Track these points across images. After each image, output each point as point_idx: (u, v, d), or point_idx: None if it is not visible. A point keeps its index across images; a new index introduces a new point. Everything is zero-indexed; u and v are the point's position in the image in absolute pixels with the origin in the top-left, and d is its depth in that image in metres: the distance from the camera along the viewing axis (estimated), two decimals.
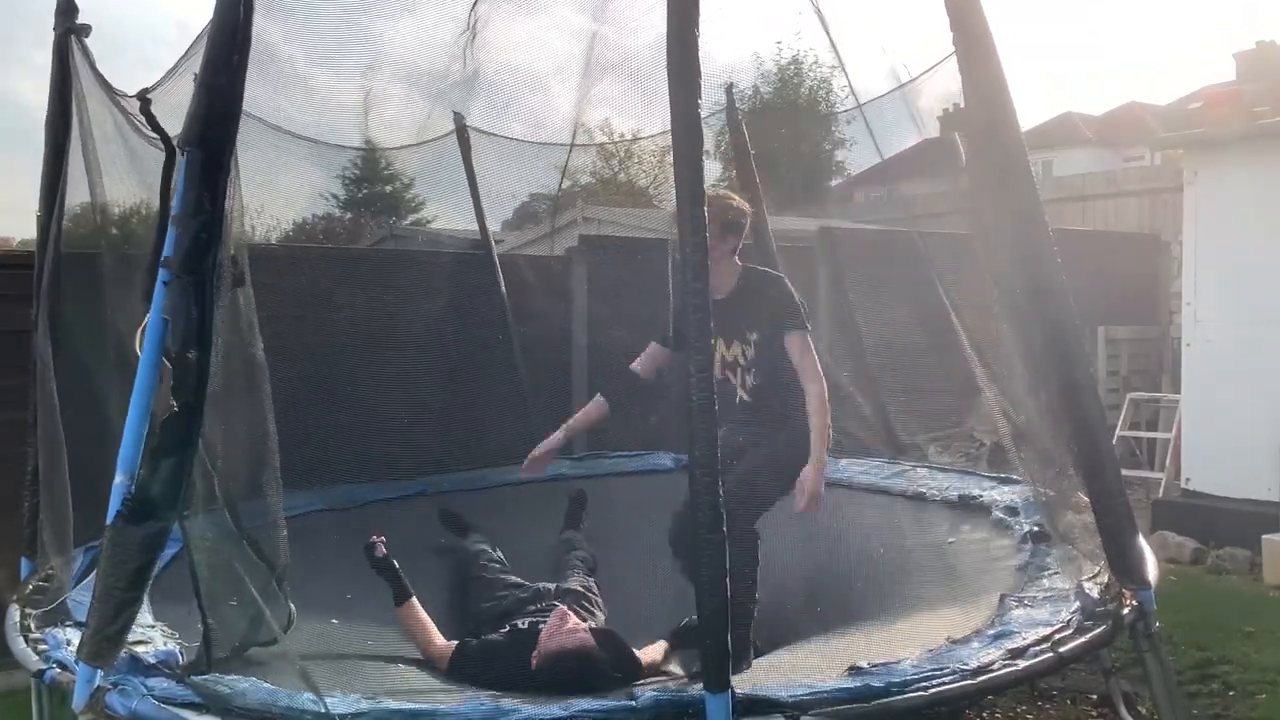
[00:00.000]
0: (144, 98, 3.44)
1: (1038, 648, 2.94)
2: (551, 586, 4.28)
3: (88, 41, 3.98)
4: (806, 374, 3.86)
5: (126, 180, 4.09)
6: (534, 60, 5.21)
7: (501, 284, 6.52)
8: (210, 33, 2.75)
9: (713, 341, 3.57)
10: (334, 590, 4.11)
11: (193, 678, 2.76)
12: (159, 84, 3.71)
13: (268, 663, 3.05)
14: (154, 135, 3.37)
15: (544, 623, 3.61)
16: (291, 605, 3.24)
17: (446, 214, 7.62)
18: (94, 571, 3.38)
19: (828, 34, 5.05)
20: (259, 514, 3.19)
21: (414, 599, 3.89)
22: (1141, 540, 3.44)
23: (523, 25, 4.82)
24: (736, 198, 4.13)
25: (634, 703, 2.63)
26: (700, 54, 2.60)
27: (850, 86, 5.77)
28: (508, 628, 3.82)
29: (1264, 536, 6.44)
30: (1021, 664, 2.87)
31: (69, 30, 3.92)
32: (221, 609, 3.00)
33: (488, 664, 3.60)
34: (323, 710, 2.59)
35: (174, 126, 3.22)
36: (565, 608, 3.66)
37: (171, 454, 2.68)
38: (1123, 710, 4.32)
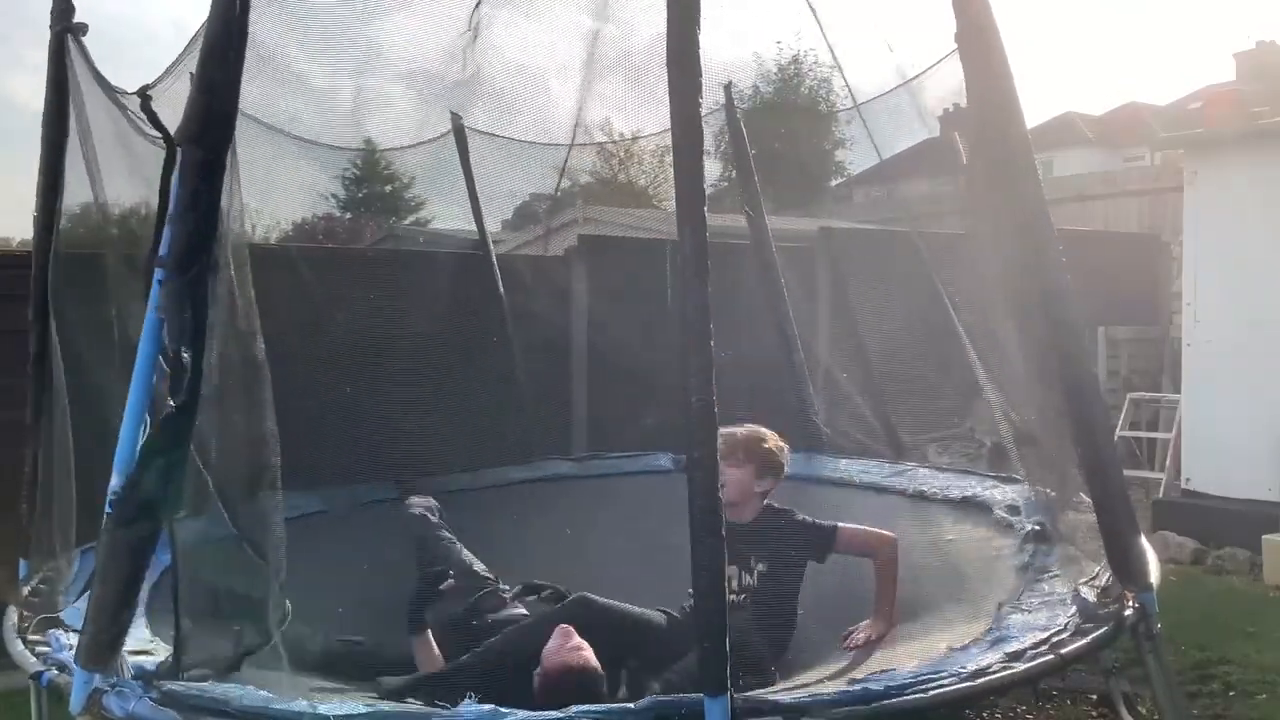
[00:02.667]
0: (144, 94, 3.42)
1: (1037, 650, 2.93)
2: (512, 588, 4.30)
3: (84, 41, 3.97)
4: (868, 547, 3.93)
5: (126, 179, 4.08)
6: (535, 60, 5.21)
7: (500, 284, 6.52)
8: (206, 29, 2.73)
9: None
10: (333, 590, 4.10)
11: (177, 683, 2.75)
12: (159, 80, 3.69)
13: (263, 668, 3.05)
14: (155, 133, 3.36)
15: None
16: (287, 603, 3.23)
17: (446, 214, 7.61)
18: (91, 574, 3.38)
19: (824, 37, 5.03)
20: (256, 516, 3.17)
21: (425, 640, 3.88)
22: (1144, 542, 3.43)
23: (524, 25, 4.80)
24: (779, 441, 4.11)
25: (632, 706, 2.62)
26: (700, 52, 2.58)
27: (847, 86, 5.75)
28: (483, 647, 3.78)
29: (1264, 536, 6.45)
30: (1020, 666, 2.86)
31: (65, 29, 3.91)
32: (201, 617, 2.99)
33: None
34: (317, 714, 2.58)
35: (173, 125, 3.21)
36: (567, 626, 3.59)
37: (163, 454, 2.67)
38: (1123, 711, 4.32)
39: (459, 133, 6.20)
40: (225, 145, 2.73)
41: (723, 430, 3.90)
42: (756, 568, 3.88)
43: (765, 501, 4.04)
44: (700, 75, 2.58)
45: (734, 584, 3.78)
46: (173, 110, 3.20)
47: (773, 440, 4.10)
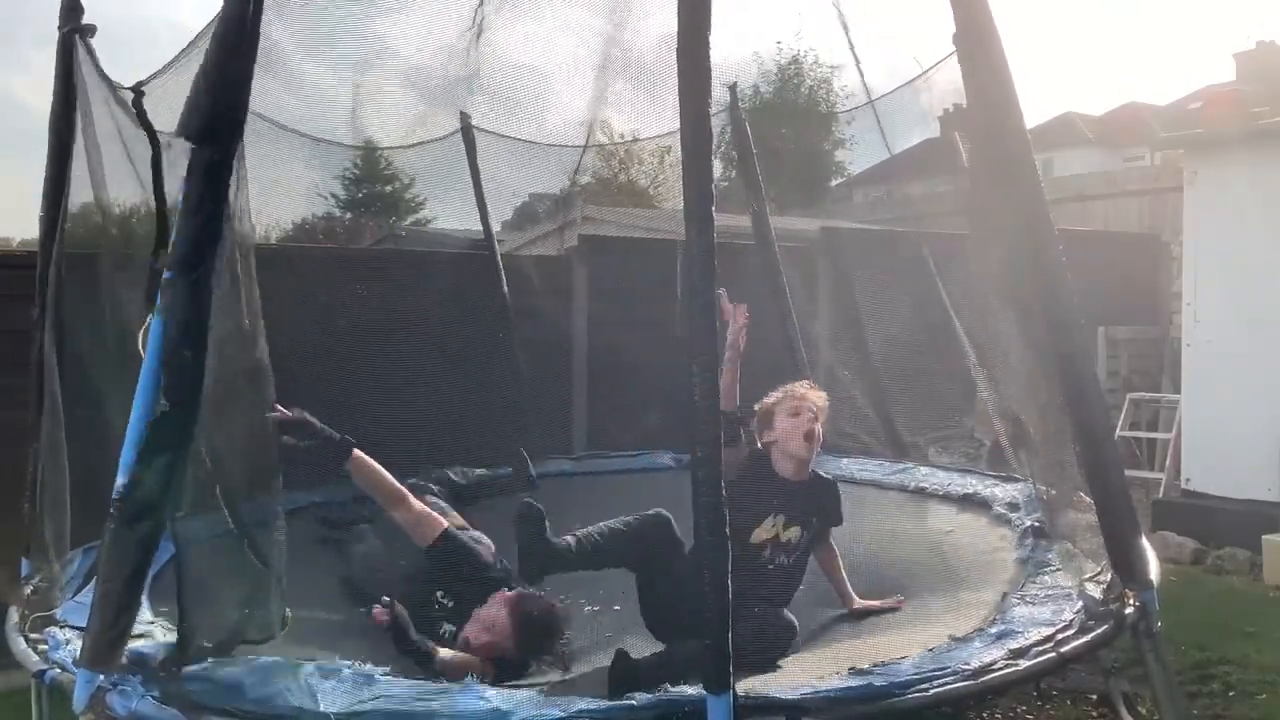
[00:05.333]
0: (138, 90, 3.43)
1: (1040, 647, 2.94)
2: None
3: (90, 42, 3.97)
4: (833, 548, 4.09)
5: (129, 180, 4.08)
6: (538, 59, 5.21)
7: (504, 284, 6.53)
8: (217, 28, 2.73)
9: (773, 517, 3.81)
10: (331, 589, 4.11)
11: (179, 680, 2.75)
12: (153, 77, 3.69)
13: (266, 661, 3.05)
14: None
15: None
16: (287, 610, 3.24)
17: (447, 214, 7.62)
18: (94, 573, 3.39)
19: (845, 30, 5.03)
20: (256, 515, 3.18)
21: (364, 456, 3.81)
22: (1144, 540, 3.44)
23: (527, 24, 4.80)
24: (780, 394, 4.11)
25: (634, 702, 2.62)
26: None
27: (863, 82, 5.77)
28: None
29: (1264, 536, 6.45)
30: (1024, 664, 2.86)
31: (74, 30, 3.91)
32: (203, 610, 2.99)
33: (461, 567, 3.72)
34: (319, 710, 2.59)
35: (170, 122, 3.21)
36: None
37: (164, 453, 2.67)
38: (1122, 710, 4.32)
39: (466, 132, 6.20)
40: (234, 145, 2.73)
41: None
42: (813, 522, 3.95)
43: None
44: (710, 76, 2.58)
45: (793, 541, 3.86)
46: (176, 107, 3.21)
47: (772, 400, 4.08)
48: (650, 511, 3.82)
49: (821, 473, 4.15)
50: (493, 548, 4.30)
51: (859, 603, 3.95)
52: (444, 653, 3.47)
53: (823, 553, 4.05)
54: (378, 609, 3.47)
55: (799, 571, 3.90)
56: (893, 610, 3.86)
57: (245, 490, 3.16)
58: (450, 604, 3.68)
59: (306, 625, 3.57)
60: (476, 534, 4.18)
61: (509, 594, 3.69)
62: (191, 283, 2.66)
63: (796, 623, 3.61)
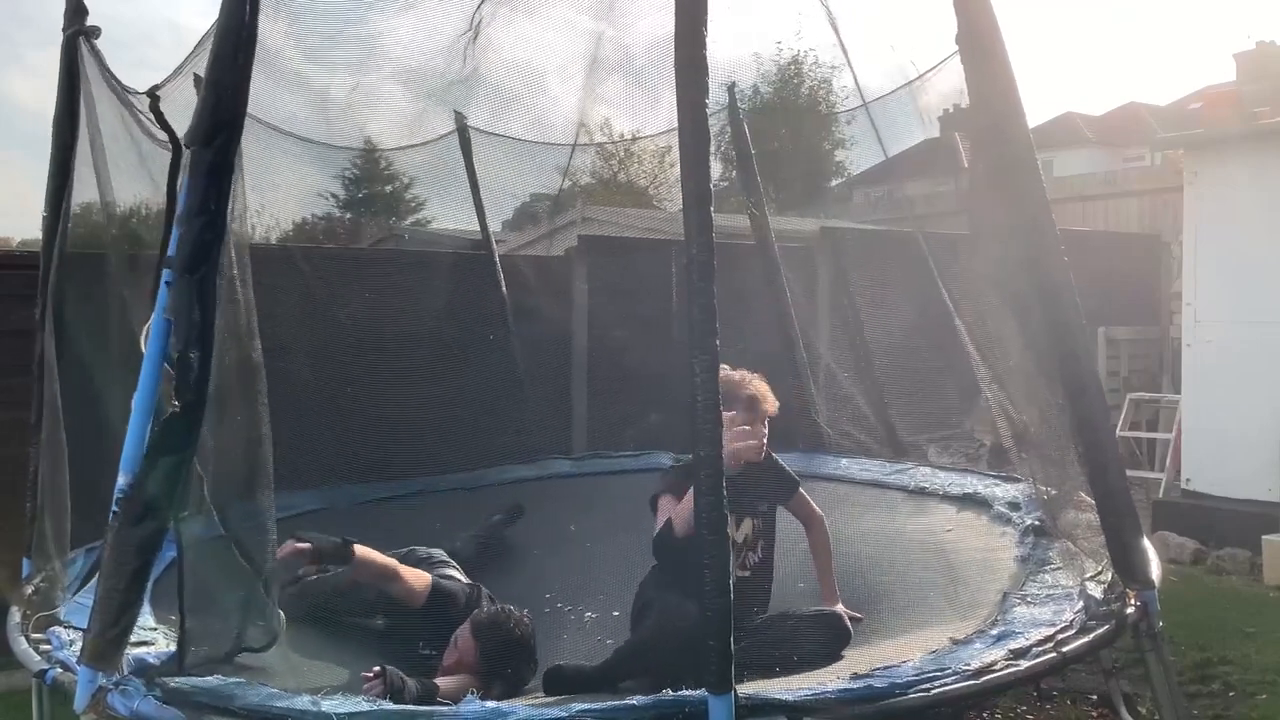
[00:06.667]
0: (154, 95, 3.44)
1: (1040, 648, 2.94)
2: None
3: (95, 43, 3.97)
4: (813, 518, 4.04)
5: (134, 181, 4.09)
6: (536, 59, 5.21)
7: (503, 284, 6.53)
8: (216, 32, 2.75)
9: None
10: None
11: (180, 680, 2.75)
12: (167, 81, 3.71)
13: (266, 665, 3.06)
14: (162, 134, 3.38)
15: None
16: (281, 611, 3.24)
17: (446, 214, 7.62)
18: (95, 573, 3.39)
19: (835, 31, 5.03)
20: (249, 517, 3.18)
21: (362, 546, 3.81)
22: (1145, 540, 3.44)
23: (525, 25, 4.81)
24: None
25: (635, 702, 2.62)
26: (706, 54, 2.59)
27: (856, 84, 5.77)
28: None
29: (1264, 536, 6.45)
30: (1024, 664, 2.86)
31: (78, 32, 3.91)
32: (204, 613, 2.99)
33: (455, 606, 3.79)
34: (321, 712, 2.59)
35: (180, 126, 3.22)
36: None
37: (170, 454, 2.68)
38: (1123, 710, 4.32)
39: (463, 133, 6.20)
40: (233, 147, 2.74)
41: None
42: (761, 509, 3.86)
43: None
44: (707, 73, 2.59)
45: (750, 533, 3.78)
46: (183, 110, 3.22)
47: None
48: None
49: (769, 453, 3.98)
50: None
51: (838, 607, 3.79)
52: (443, 683, 3.46)
53: (810, 535, 4.00)
54: (369, 684, 3.20)
55: (769, 565, 3.84)
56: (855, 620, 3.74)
57: (239, 492, 3.16)
58: (434, 653, 3.72)
59: (308, 635, 3.58)
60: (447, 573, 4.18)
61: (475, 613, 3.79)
62: (195, 284, 2.66)
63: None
